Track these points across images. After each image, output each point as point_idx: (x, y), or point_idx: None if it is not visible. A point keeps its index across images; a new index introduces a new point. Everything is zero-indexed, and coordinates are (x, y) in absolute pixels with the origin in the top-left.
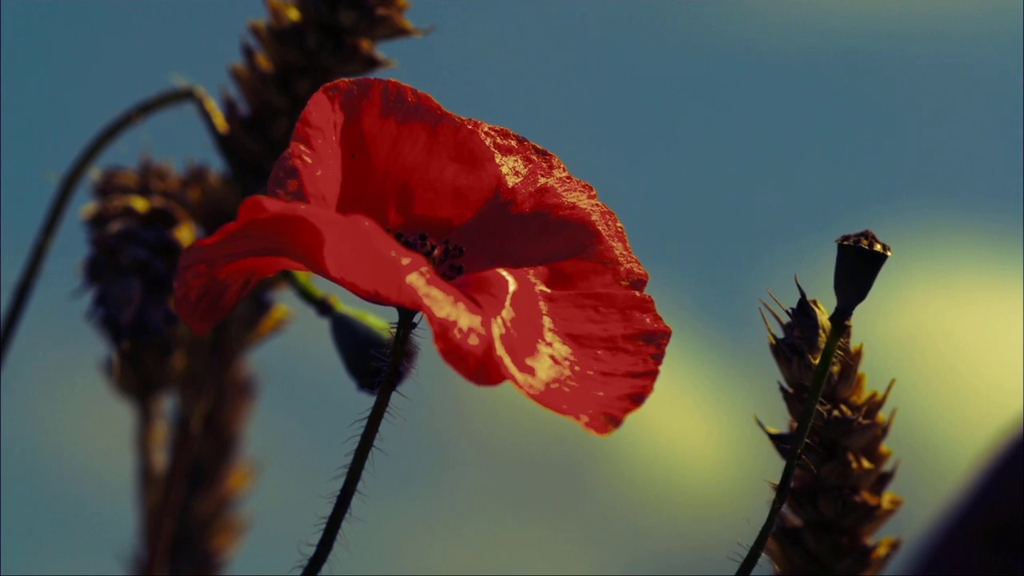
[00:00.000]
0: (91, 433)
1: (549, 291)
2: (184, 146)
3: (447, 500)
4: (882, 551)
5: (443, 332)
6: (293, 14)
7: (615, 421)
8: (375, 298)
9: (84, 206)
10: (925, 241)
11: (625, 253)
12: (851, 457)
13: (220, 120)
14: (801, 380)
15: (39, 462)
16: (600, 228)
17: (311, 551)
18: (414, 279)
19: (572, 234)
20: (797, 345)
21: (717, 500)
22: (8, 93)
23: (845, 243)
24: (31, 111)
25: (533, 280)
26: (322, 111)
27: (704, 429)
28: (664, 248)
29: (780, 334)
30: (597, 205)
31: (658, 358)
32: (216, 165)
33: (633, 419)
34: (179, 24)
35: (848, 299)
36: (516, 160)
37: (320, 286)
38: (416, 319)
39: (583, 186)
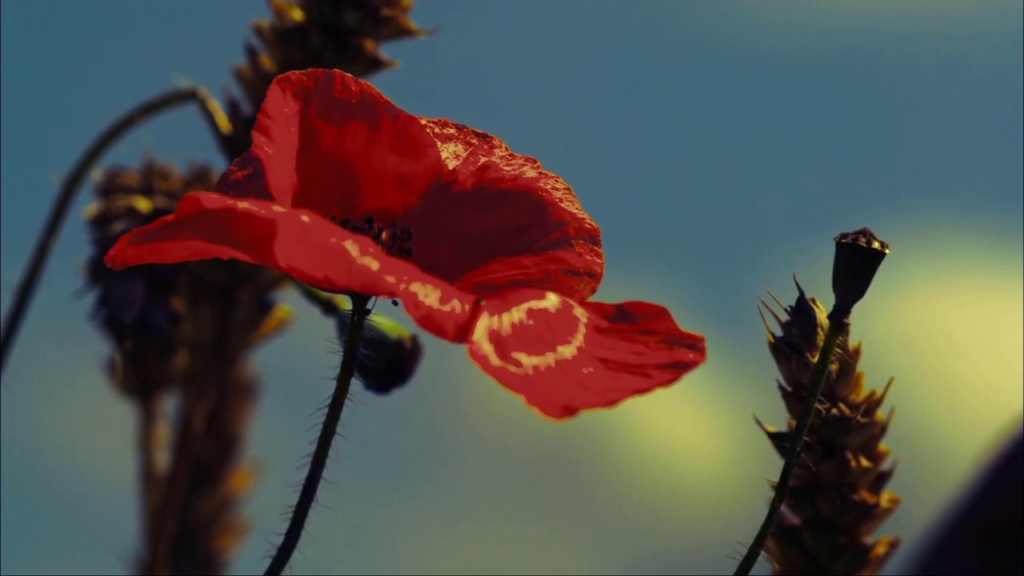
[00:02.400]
0: (92, 433)
1: (605, 324)
2: (187, 146)
3: (446, 499)
4: (881, 550)
5: (412, 299)
6: (297, 14)
7: (571, 411)
8: (327, 285)
9: (87, 206)
10: (925, 241)
11: (575, 212)
12: (850, 456)
13: (223, 120)
14: (800, 378)
15: (40, 462)
16: (545, 194)
17: (279, 540)
18: (367, 261)
19: (518, 203)
20: (796, 343)
21: (716, 499)
22: (10, 93)
23: (843, 241)
24: (33, 111)
25: (582, 312)
26: (277, 103)
27: (703, 428)
28: (664, 248)
29: (779, 332)
30: (542, 173)
31: (672, 382)
32: (219, 165)
33: (634, 419)
34: (182, 24)
35: (846, 297)
36: (456, 145)
37: None
38: (370, 304)
39: (526, 159)
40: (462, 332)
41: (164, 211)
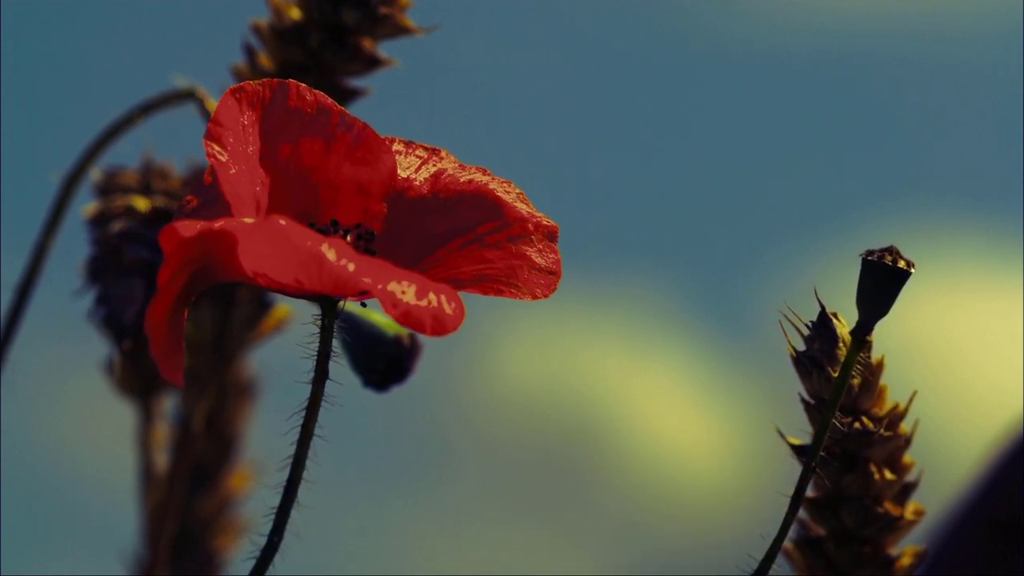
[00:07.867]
0: (92, 433)
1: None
2: (186, 146)
3: (448, 500)
4: (906, 561)
5: (390, 298)
6: (295, 13)
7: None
8: (297, 289)
9: (86, 206)
10: (925, 241)
11: (531, 211)
12: (873, 468)
13: None
14: (821, 393)
15: (40, 462)
16: (500, 194)
17: (263, 541)
18: (344, 262)
19: (473, 203)
20: (817, 358)
21: (717, 500)
22: (9, 93)
23: (869, 258)
24: (33, 111)
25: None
26: (231, 113)
27: (704, 428)
28: (664, 248)
29: (788, 341)
30: (493, 178)
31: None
32: None
33: (635, 419)
34: (180, 24)
35: (870, 314)
36: (407, 159)
37: None
38: (339, 306)
39: (477, 168)
40: (440, 325)
41: (163, 211)
